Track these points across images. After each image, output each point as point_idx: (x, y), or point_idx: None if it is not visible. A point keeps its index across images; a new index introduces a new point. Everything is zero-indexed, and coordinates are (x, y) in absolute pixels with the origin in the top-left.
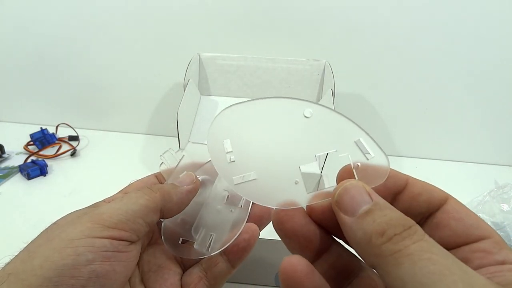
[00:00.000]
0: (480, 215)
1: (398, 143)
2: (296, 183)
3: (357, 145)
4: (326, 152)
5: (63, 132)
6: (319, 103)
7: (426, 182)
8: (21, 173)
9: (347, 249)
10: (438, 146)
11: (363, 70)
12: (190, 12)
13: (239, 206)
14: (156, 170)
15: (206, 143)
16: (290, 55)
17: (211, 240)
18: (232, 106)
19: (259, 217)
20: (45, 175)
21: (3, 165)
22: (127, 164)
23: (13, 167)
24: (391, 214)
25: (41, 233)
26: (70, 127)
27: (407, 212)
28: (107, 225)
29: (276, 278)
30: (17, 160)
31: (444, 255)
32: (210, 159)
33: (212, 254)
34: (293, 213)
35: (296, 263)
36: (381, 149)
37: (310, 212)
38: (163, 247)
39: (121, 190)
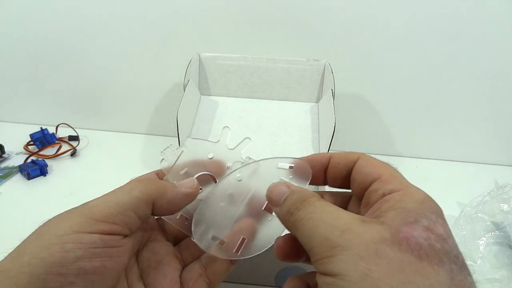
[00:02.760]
0: (480, 215)
1: (398, 143)
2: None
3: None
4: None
5: (63, 132)
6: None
7: (348, 152)
8: (21, 173)
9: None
10: (438, 146)
11: (363, 70)
12: (190, 12)
13: (243, 204)
14: (157, 169)
15: (206, 139)
16: (290, 55)
17: (242, 244)
18: None
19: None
20: (45, 175)
21: (3, 165)
22: (127, 164)
23: (13, 167)
24: (298, 195)
25: (34, 230)
26: (70, 127)
27: (336, 178)
28: (97, 219)
29: (276, 278)
30: (17, 160)
31: (324, 211)
32: (210, 155)
33: (241, 258)
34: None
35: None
36: (298, 158)
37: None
38: (163, 243)
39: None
